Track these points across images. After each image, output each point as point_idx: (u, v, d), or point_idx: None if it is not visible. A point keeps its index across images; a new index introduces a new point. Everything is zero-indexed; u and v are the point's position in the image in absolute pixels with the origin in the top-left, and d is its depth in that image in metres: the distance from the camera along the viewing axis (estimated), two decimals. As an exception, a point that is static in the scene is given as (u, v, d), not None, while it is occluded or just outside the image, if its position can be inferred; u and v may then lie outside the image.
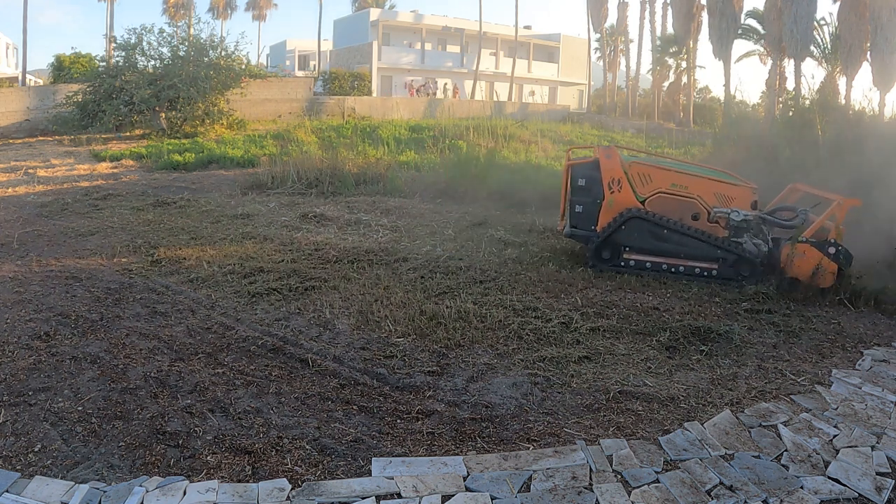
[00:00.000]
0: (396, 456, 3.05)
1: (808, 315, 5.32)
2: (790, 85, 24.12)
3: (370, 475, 2.88)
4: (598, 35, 40.18)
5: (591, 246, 6.60)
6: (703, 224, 6.46)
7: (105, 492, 2.66)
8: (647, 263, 6.45)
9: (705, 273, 6.31)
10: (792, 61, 23.69)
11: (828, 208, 6.12)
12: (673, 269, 6.38)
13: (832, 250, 5.87)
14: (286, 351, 4.24)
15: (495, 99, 34.46)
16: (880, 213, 6.80)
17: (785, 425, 3.40)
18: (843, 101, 16.44)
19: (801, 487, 2.85)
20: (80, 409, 3.37)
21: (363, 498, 2.70)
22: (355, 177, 11.93)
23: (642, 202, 6.53)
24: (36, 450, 2.98)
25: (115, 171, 13.79)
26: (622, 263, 6.51)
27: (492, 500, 2.72)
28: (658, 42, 35.29)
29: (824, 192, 6.58)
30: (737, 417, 3.48)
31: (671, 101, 35.71)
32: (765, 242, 6.28)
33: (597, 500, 2.73)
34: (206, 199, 10.33)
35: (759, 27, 27.76)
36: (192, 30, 24.47)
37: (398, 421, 3.40)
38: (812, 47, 23.76)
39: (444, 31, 41.93)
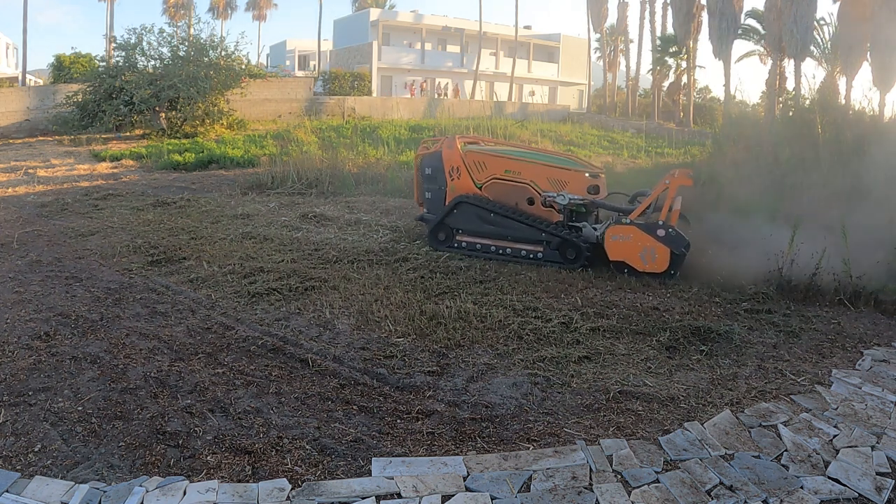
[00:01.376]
0: (396, 456, 3.05)
1: (808, 315, 5.31)
2: (790, 85, 24.15)
3: (370, 475, 2.88)
4: (598, 35, 40.22)
5: (428, 227, 7.15)
6: (537, 208, 6.79)
7: (105, 492, 2.66)
8: (478, 245, 6.87)
9: (531, 255, 6.59)
10: (792, 61, 23.71)
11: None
12: (500, 252, 6.74)
13: (661, 233, 5.79)
14: (286, 351, 4.24)
15: (495, 99, 34.46)
16: (880, 213, 6.79)
17: (785, 425, 3.40)
18: (843, 101, 16.43)
19: (801, 487, 2.85)
20: (80, 409, 3.37)
21: (363, 498, 2.70)
22: (355, 177, 11.94)
23: (479, 188, 6.99)
24: (36, 450, 2.98)
25: (115, 171, 13.79)
26: (454, 245, 6.98)
27: (492, 500, 2.72)
28: (658, 42, 35.29)
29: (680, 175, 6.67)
30: (737, 417, 3.48)
31: (671, 101, 35.73)
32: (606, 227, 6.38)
33: (597, 500, 2.73)
34: (206, 199, 10.33)
35: (759, 27, 27.80)
36: (192, 30, 24.47)
37: (398, 421, 3.40)
38: (812, 47, 23.77)
39: (444, 31, 41.95)
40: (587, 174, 6.86)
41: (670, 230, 5.84)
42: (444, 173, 7.14)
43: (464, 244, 6.92)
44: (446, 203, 7.10)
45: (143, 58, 20.02)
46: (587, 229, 6.48)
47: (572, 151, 18.75)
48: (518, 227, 6.68)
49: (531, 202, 6.86)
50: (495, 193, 6.96)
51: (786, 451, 3.15)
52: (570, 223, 6.60)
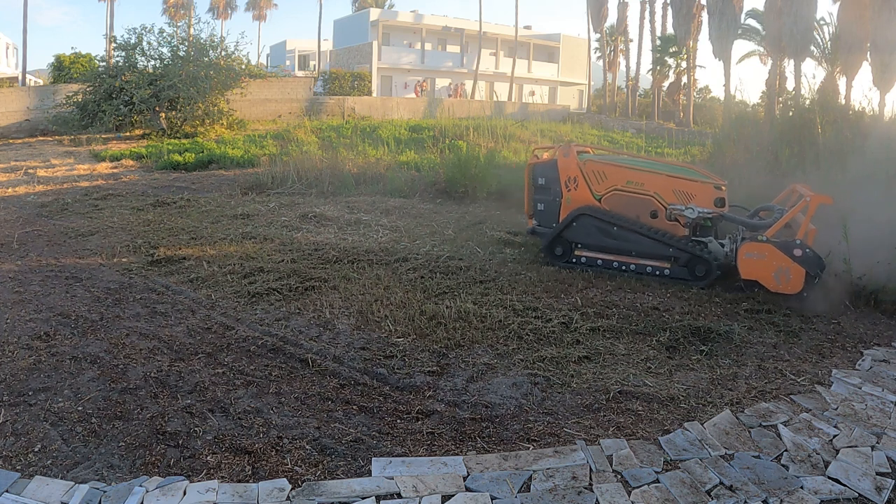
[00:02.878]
0: (396, 456, 3.05)
1: (808, 315, 5.31)
2: (790, 85, 24.15)
3: (370, 475, 2.88)
4: (598, 35, 40.22)
5: (544, 242, 6.73)
6: (661, 222, 6.32)
7: (105, 492, 2.66)
8: (599, 261, 6.48)
9: (657, 272, 6.22)
10: (792, 61, 23.71)
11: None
12: (624, 267, 6.34)
13: (798, 252, 5.45)
14: (286, 351, 4.24)
15: (495, 99, 34.46)
16: (880, 213, 6.79)
17: (785, 425, 3.40)
18: (843, 101, 16.43)
19: (801, 487, 2.85)
20: (80, 409, 3.37)
21: (363, 498, 2.70)
22: (355, 177, 11.93)
23: (598, 199, 6.56)
24: (36, 450, 2.98)
25: (115, 171, 13.79)
26: (573, 260, 6.60)
27: (492, 500, 2.72)
28: (658, 42, 35.32)
29: (811, 192, 6.35)
30: (737, 417, 3.48)
31: (671, 101, 35.76)
32: (733, 242, 6.04)
33: (597, 500, 2.73)
34: (206, 199, 10.33)
35: (759, 27, 27.80)
36: (192, 30, 24.46)
37: (398, 421, 3.40)
38: (812, 47, 23.77)
39: (444, 31, 41.96)
40: (714, 186, 6.35)
41: (807, 250, 5.48)
42: (559, 184, 6.71)
43: (583, 259, 6.53)
44: (560, 215, 6.69)
45: (143, 58, 20.02)
46: (713, 244, 6.14)
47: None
48: (644, 242, 6.26)
49: (654, 215, 6.37)
50: (615, 206, 6.49)
51: (786, 451, 3.15)
52: (695, 238, 6.21)
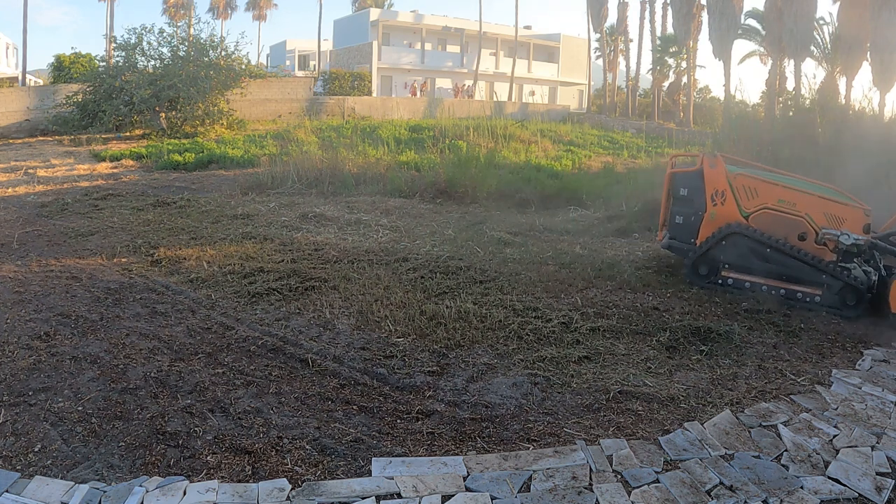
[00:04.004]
0: (396, 456, 3.05)
1: (808, 315, 5.31)
2: (790, 85, 24.15)
3: (370, 475, 2.88)
4: (598, 35, 40.21)
5: (688, 261, 6.23)
6: (809, 245, 5.89)
7: (105, 492, 2.66)
8: (747, 283, 5.96)
9: (808, 299, 5.75)
10: (792, 61, 23.71)
11: None
12: (773, 292, 5.84)
13: None
14: (286, 351, 4.24)
15: (495, 99, 34.46)
16: (881, 213, 6.79)
17: (785, 425, 3.40)
18: (843, 101, 16.43)
19: (801, 487, 2.85)
20: (80, 409, 3.37)
21: (363, 498, 2.70)
22: (355, 177, 11.93)
23: (746, 217, 6.05)
24: (36, 450, 2.98)
25: (115, 171, 13.79)
26: (720, 282, 6.07)
27: (492, 500, 2.72)
28: (658, 42, 35.32)
29: None
30: (737, 417, 3.48)
31: (671, 101, 35.77)
32: (875, 270, 5.73)
33: (597, 500, 2.73)
34: (206, 199, 10.33)
35: (759, 27, 27.80)
36: (192, 30, 24.47)
37: (398, 421, 3.40)
38: (812, 47, 23.77)
39: (444, 31, 41.95)
40: (864, 211, 5.93)
41: None
42: (703, 196, 6.18)
43: (730, 281, 6.02)
44: (701, 231, 6.19)
45: (143, 58, 20.02)
46: (857, 271, 5.76)
47: (572, 151, 18.74)
48: (798, 267, 5.80)
49: (803, 238, 5.92)
50: (763, 225, 5.99)
51: (786, 451, 3.15)
52: (843, 265, 5.79)
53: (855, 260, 5.82)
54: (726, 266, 6.09)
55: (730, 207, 6.08)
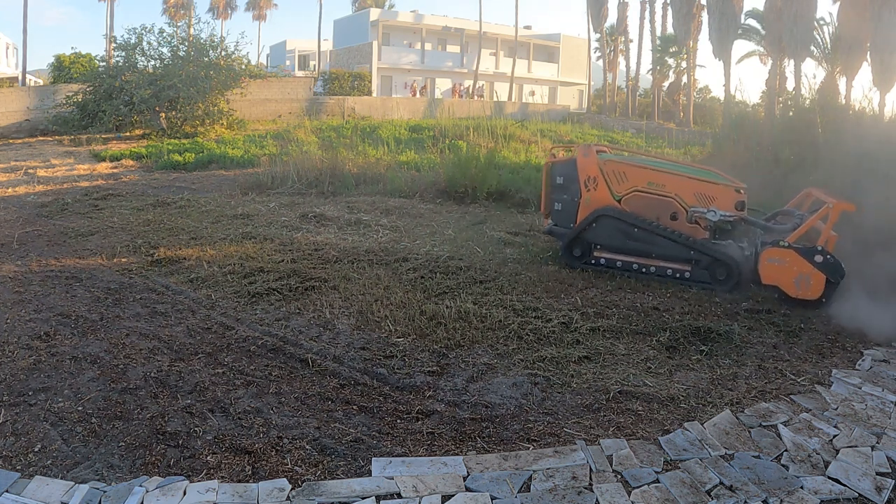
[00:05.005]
0: (396, 456, 3.05)
1: (808, 315, 5.31)
2: (790, 85, 24.15)
3: (370, 475, 2.88)
4: (598, 35, 40.21)
5: (562, 243, 6.69)
6: (681, 224, 6.29)
7: (105, 492, 2.66)
8: (618, 262, 6.41)
9: (678, 275, 6.14)
10: (792, 61, 23.71)
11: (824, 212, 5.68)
12: (644, 270, 6.27)
13: (819, 259, 5.44)
14: (286, 351, 4.24)
15: (495, 99, 34.46)
16: (881, 213, 6.78)
17: (785, 425, 3.40)
18: (843, 101, 16.42)
19: (801, 487, 2.85)
20: (80, 409, 3.37)
21: (363, 498, 2.70)
22: (355, 177, 11.93)
23: (618, 200, 6.50)
24: (36, 450, 2.98)
25: (115, 171, 13.79)
26: (592, 262, 6.53)
27: (492, 500, 2.72)
28: (658, 42, 35.33)
29: (831, 197, 6.23)
30: (737, 417, 3.48)
31: (671, 101, 35.77)
32: (752, 246, 5.99)
33: (597, 500, 2.73)
34: (206, 199, 10.33)
35: (759, 27, 27.80)
36: (192, 30, 24.46)
37: (398, 421, 3.40)
38: (812, 47, 23.77)
39: (444, 31, 41.96)
40: (734, 189, 6.33)
41: (829, 257, 5.43)
42: (578, 183, 6.66)
43: (602, 261, 6.47)
44: (578, 215, 6.63)
45: (143, 58, 20.02)
46: (732, 247, 6.08)
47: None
48: (665, 245, 6.19)
49: (674, 217, 6.33)
50: (635, 207, 6.45)
51: (786, 451, 3.15)
52: (715, 241, 6.16)
53: (731, 238, 6.17)
54: (598, 247, 6.54)
55: (602, 192, 6.56)
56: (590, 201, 6.59)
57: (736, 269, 5.90)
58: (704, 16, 29.36)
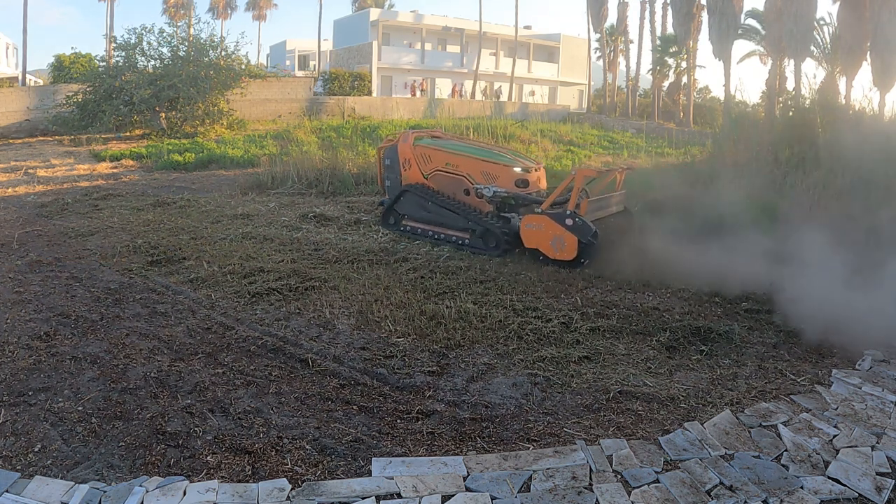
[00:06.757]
0: (396, 456, 3.05)
1: (808, 315, 5.29)
2: (790, 85, 24.15)
3: (370, 475, 2.88)
4: (598, 35, 40.20)
5: (382, 214, 8.15)
6: (472, 199, 7.37)
7: (105, 492, 2.66)
8: (419, 230, 7.68)
9: (460, 241, 7.25)
10: (792, 61, 23.71)
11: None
12: (437, 236, 7.48)
13: (569, 222, 6.20)
14: (286, 351, 4.24)
15: (496, 99, 34.45)
16: (881, 213, 6.79)
17: (785, 425, 3.40)
18: (843, 101, 16.42)
19: (801, 487, 2.85)
20: (80, 409, 3.37)
21: (363, 498, 2.70)
22: (355, 177, 11.94)
23: (426, 178, 7.78)
24: (36, 450, 2.98)
25: (115, 171, 13.80)
26: (401, 229, 7.89)
27: (492, 500, 2.72)
28: (658, 42, 35.33)
29: (604, 169, 7.54)
30: (737, 417, 3.48)
31: (671, 101, 35.77)
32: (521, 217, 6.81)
33: (597, 500, 2.73)
34: (206, 199, 10.33)
35: (759, 27, 27.80)
36: (192, 30, 24.46)
37: (398, 421, 3.40)
38: (812, 47, 23.77)
39: (444, 31, 41.93)
40: (517, 169, 7.32)
41: (577, 219, 6.20)
42: (399, 164, 7.93)
43: (408, 228, 7.80)
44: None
45: (143, 58, 20.01)
46: (515, 220, 6.98)
47: (572, 151, 18.78)
48: (449, 216, 7.35)
49: (467, 193, 7.45)
50: (439, 184, 7.67)
51: (786, 451, 3.15)
52: (501, 214, 7.12)
53: (514, 211, 7.14)
54: (405, 217, 7.88)
55: (414, 171, 7.86)
56: (406, 179, 7.90)
57: (500, 238, 6.94)
58: (704, 16, 29.36)
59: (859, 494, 2.82)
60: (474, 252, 6.99)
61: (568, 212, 6.24)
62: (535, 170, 7.52)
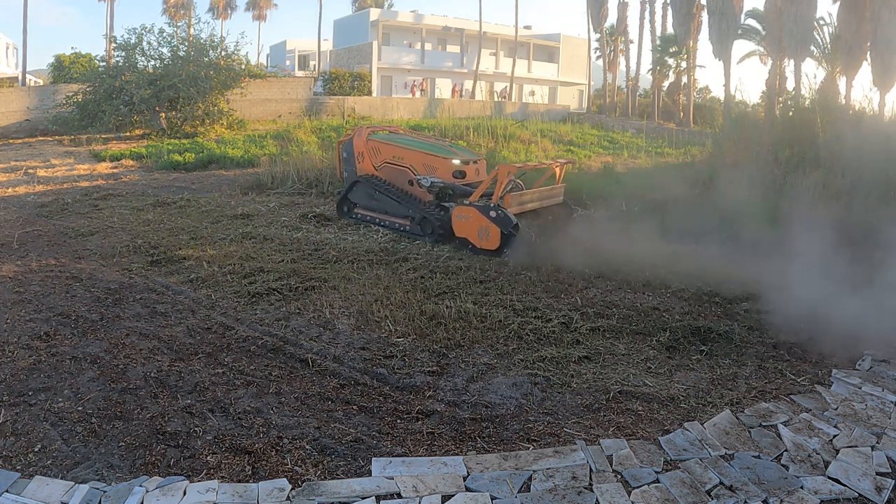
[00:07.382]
0: (396, 456, 3.05)
1: (808, 315, 5.29)
2: (790, 85, 24.14)
3: (370, 475, 2.88)
4: (598, 35, 40.17)
5: (337, 202, 8.76)
6: (415, 189, 7.88)
7: (105, 492, 2.66)
8: (368, 217, 8.31)
9: (402, 228, 7.79)
10: (792, 61, 23.71)
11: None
12: (383, 223, 8.06)
13: (493, 214, 6.63)
14: (286, 351, 4.24)
15: (495, 99, 34.44)
16: (880, 212, 6.79)
17: (785, 425, 3.40)
18: (843, 101, 16.41)
19: (801, 487, 2.85)
20: (80, 409, 3.37)
21: (363, 498, 2.70)
22: (355, 177, 11.92)
23: (377, 170, 8.39)
24: (36, 450, 2.98)
25: (115, 171, 13.80)
26: (354, 216, 8.55)
27: (492, 500, 2.72)
28: (658, 42, 35.31)
29: (527, 164, 8.14)
30: (737, 417, 3.48)
31: (671, 101, 35.76)
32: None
33: (597, 500, 2.73)
34: (206, 199, 10.33)
35: (759, 27, 27.79)
36: (192, 30, 24.44)
37: (398, 421, 3.40)
38: (812, 47, 23.76)
39: (444, 31, 41.90)
40: (455, 161, 7.80)
41: (500, 212, 6.62)
42: (354, 157, 8.48)
43: (359, 215, 8.45)
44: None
45: (143, 58, 20.00)
46: (451, 209, 7.29)
47: (572, 151, 18.79)
48: (393, 204, 7.88)
49: (411, 183, 7.94)
50: (387, 175, 8.22)
51: (786, 451, 3.15)
52: (442, 203, 7.56)
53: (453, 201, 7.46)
54: (356, 205, 8.52)
55: (367, 164, 8.47)
56: (360, 171, 8.44)
57: (435, 225, 7.38)
58: (704, 16, 29.35)
59: (859, 494, 2.82)
60: (413, 238, 7.54)
61: (492, 204, 6.68)
62: (474, 162, 8.02)
